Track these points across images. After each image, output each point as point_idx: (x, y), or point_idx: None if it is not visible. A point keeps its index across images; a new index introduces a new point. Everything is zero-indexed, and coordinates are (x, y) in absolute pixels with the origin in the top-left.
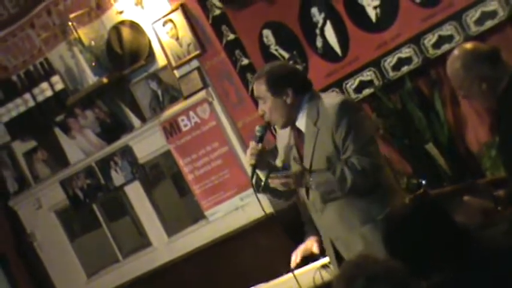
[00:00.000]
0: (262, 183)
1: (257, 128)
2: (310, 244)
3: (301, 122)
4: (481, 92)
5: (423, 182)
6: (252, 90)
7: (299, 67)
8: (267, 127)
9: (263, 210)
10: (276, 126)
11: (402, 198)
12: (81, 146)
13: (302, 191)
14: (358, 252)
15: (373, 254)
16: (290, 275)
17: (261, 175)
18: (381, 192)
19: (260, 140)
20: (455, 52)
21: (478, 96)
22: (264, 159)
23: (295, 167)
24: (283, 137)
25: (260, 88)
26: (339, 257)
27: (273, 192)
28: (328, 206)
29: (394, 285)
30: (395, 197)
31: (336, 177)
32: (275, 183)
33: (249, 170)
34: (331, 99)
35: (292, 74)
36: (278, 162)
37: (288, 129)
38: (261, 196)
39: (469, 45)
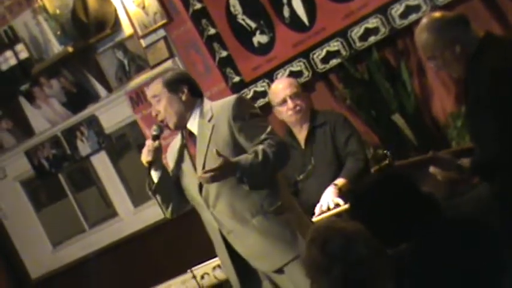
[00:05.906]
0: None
1: (153, 127)
2: None
3: (193, 123)
4: (455, 56)
5: (388, 152)
6: (217, 60)
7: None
8: (163, 127)
9: (164, 214)
10: (169, 125)
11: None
12: (46, 116)
13: (192, 192)
14: (252, 244)
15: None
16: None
17: (154, 176)
18: (273, 186)
19: (156, 138)
20: (424, 20)
21: (452, 62)
22: (160, 158)
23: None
24: (172, 152)
25: (156, 87)
26: (231, 253)
27: (163, 196)
28: (220, 200)
29: (370, 247)
30: (284, 192)
31: (260, 158)
32: (206, 177)
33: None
34: (225, 99)
35: (187, 76)
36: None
37: (177, 144)
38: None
39: (437, 13)
